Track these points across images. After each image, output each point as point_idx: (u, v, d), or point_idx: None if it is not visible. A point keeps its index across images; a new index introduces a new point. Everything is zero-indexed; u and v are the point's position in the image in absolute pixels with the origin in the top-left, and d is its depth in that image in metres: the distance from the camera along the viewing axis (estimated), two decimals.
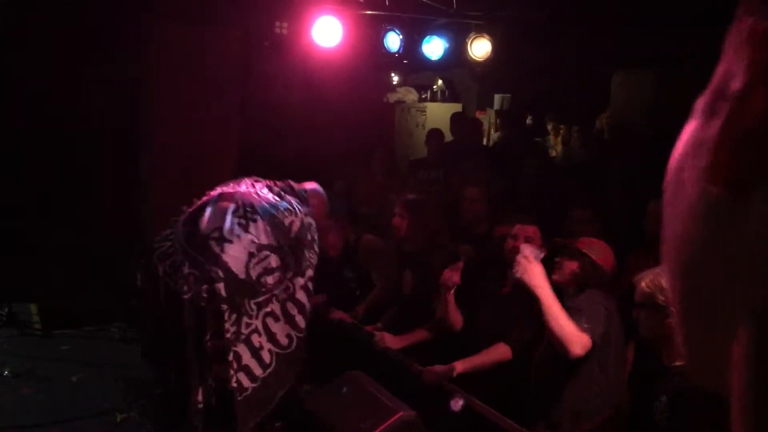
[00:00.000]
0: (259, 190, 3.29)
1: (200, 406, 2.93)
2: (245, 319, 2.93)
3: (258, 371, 2.98)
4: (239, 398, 2.94)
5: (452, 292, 3.72)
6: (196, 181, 5.35)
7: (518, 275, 3.00)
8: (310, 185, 3.47)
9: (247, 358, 2.95)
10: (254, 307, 2.96)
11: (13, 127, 5.65)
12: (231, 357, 2.90)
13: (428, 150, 6.89)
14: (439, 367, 3.55)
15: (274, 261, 3.02)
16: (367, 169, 6.26)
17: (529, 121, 8.62)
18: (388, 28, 6.00)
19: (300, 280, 3.06)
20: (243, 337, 2.93)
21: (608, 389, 3.01)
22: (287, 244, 3.08)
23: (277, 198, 3.28)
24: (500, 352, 3.44)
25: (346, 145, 6.93)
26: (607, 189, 5.22)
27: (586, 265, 3.16)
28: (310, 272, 3.11)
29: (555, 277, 3.19)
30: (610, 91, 7.24)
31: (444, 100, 9.49)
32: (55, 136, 5.79)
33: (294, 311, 3.07)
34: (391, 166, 6.52)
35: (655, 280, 2.53)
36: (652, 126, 6.68)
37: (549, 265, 3.21)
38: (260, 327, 2.96)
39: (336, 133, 6.83)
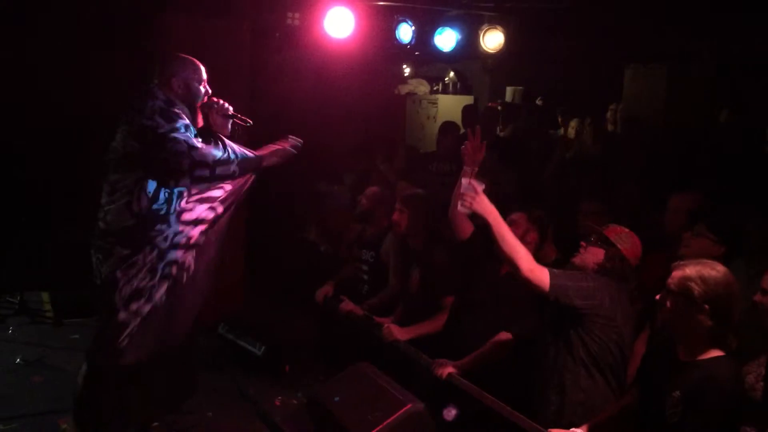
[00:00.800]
0: None
1: None
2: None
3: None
4: None
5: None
6: None
7: (468, 206, 2.97)
8: None
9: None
10: None
11: (21, 121, 5.68)
12: None
13: (440, 143, 6.84)
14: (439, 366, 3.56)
15: None
16: (380, 162, 6.23)
17: (539, 101, 8.54)
18: (400, 19, 5.97)
19: None
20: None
21: (607, 387, 2.97)
22: None
23: None
24: (501, 339, 3.47)
25: (356, 137, 6.91)
26: (619, 183, 5.19)
27: (614, 258, 3.03)
28: None
29: (576, 260, 3.11)
30: (622, 84, 7.20)
31: (456, 92, 9.44)
32: (62, 129, 5.82)
33: None
34: (399, 161, 6.48)
35: (701, 271, 2.48)
36: (665, 120, 6.64)
37: (574, 248, 3.17)
38: None
39: (347, 125, 6.82)
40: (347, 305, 4.47)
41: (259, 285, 5.59)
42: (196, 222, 3.31)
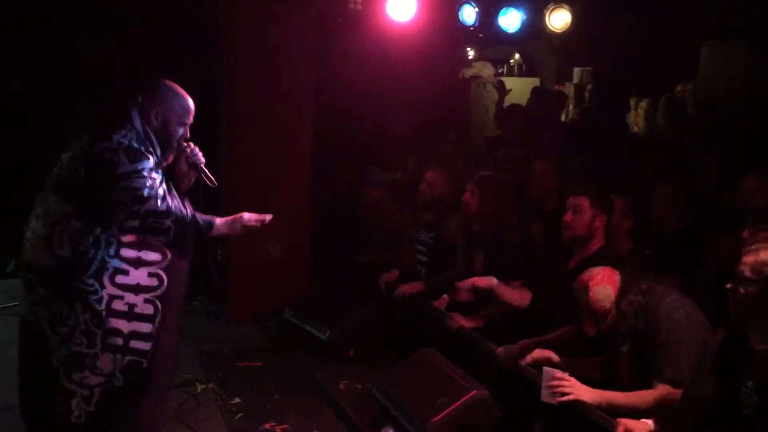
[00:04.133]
0: None
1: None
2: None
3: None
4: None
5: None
6: (273, 159, 5.45)
7: (568, 399, 2.81)
8: None
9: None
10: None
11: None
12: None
13: (507, 127, 6.74)
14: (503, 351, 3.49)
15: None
16: (440, 148, 6.19)
17: (589, 88, 8.25)
18: (463, 1, 5.88)
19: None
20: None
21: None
22: None
23: None
24: (569, 330, 3.36)
25: (420, 121, 6.87)
26: (694, 165, 4.99)
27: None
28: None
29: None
30: (697, 63, 6.90)
31: (521, 74, 9.28)
32: None
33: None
34: (463, 144, 6.42)
35: None
36: (744, 100, 6.34)
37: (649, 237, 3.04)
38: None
39: (410, 110, 6.77)
40: (407, 286, 4.46)
41: (325, 269, 5.63)
42: (137, 289, 2.82)
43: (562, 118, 7.83)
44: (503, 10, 6.16)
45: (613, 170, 5.36)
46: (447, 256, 4.58)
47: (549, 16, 6.15)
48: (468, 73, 9.47)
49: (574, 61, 8.84)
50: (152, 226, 2.83)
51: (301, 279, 5.54)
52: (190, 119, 2.98)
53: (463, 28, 6.06)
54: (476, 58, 9.48)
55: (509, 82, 8.90)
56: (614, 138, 6.38)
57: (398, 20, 5.62)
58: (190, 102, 2.99)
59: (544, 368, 2.95)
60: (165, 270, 2.89)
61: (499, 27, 6.24)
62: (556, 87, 8.66)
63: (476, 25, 6.01)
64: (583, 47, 7.94)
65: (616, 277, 2.95)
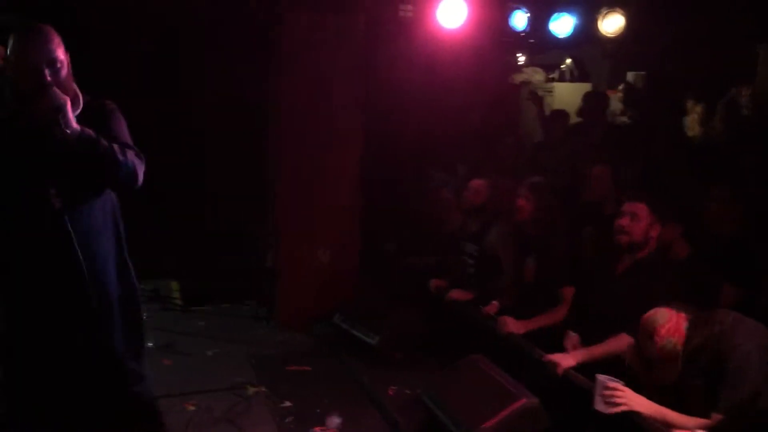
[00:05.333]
0: None
1: None
2: None
3: None
4: None
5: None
6: (322, 165, 5.50)
7: (621, 410, 2.76)
8: None
9: None
10: None
11: (152, 118, 6.01)
12: None
13: (551, 132, 6.68)
14: (558, 357, 3.44)
15: None
16: (493, 153, 6.16)
17: (620, 92, 8.05)
18: (514, 6, 5.84)
19: None
20: None
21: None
22: None
23: None
24: (623, 343, 3.27)
25: (469, 127, 6.85)
26: (749, 168, 4.84)
27: None
28: None
29: None
30: (753, 66, 6.70)
31: (573, 79, 9.14)
32: (186, 127, 6.12)
33: None
34: (515, 151, 6.37)
35: None
36: None
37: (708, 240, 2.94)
38: None
39: (460, 116, 6.76)
40: (456, 293, 4.47)
41: (375, 274, 5.65)
42: None
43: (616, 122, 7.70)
44: (555, 15, 6.10)
45: (668, 175, 5.24)
46: (494, 265, 4.56)
47: (602, 21, 6.06)
48: (518, 78, 9.39)
49: (629, 65, 8.68)
50: None
51: (350, 284, 5.57)
52: (41, 59, 2.53)
53: (514, 33, 6.02)
54: (527, 64, 9.40)
55: (560, 87, 8.79)
56: (670, 142, 6.24)
57: (448, 27, 5.62)
58: None
59: (598, 376, 2.89)
60: None
61: (550, 32, 6.18)
62: (608, 92, 8.52)
63: (527, 30, 5.97)
64: (636, 51, 7.79)
65: (683, 324, 2.79)
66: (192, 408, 4.12)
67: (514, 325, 3.89)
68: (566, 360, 3.40)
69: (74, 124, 2.51)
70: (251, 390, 4.39)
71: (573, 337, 3.60)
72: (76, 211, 2.64)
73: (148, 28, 5.60)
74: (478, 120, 6.95)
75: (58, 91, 2.50)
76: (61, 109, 2.46)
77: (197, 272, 6.34)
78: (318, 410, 4.12)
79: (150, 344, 5.07)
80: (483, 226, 4.71)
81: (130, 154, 2.68)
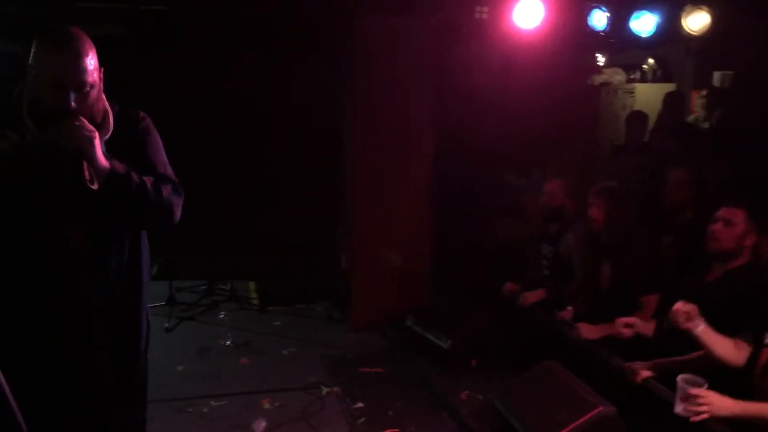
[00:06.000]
0: None
1: None
2: None
3: None
4: None
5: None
6: (395, 169, 5.52)
7: (703, 418, 2.67)
8: None
9: None
10: None
11: (222, 122, 6.18)
12: None
13: (630, 134, 6.50)
14: (639, 364, 3.33)
15: None
16: (565, 157, 6.04)
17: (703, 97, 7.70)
18: (593, 5, 5.70)
19: None
20: None
21: None
22: None
23: None
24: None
25: (546, 130, 6.73)
26: None
27: None
28: None
29: None
30: None
31: (655, 80, 8.85)
32: (264, 131, 6.27)
33: None
34: (591, 154, 6.24)
35: None
36: None
37: None
38: None
39: (536, 119, 6.65)
40: (528, 297, 4.42)
41: (447, 278, 5.63)
42: None
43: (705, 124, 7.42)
44: (636, 13, 5.91)
45: (760, 178, 5.01)
46: (567, 269, 4.48)
47: (686, 18, 5.84)
48: (598, 80, 9.18)
49: (715, 64, 8.35)
50: None
51: (423, 287, 5.57)
52: (67, 78, 2.12)
53: (593, 33, 5.86)
54: (606, 65, 9.18)
55: (641, 88, 8.54)
56: (760, 144, 5.97)
57: (524, 27, 5.54)
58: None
59: (679, 378, 2.78)
60: None
61: (631, 31, 5.99)
62: (693, 93, 8.22)
63: (607, 30, 5.81)
64: (723, 49, 7.48)
65: None
66: (267, 406, 4.21)
67: (588, 331, 3.80)
68: (646, 368, 3.29)
69: (102, 162, 2.13)
70: (325, 390, 4.45)
71: None
72: (97, 254, 2.26)
73: (227, 32, 5.75)
74: (555, 123, 6.82)
75: (84, 122, 2.11)
76: (85, 150, 2.08)
77: (274, 273, 6.49)
78: (390, 413, 4.14)
79: (228, 343, 5.22)
80: (561, 229, 4.64)
81: (167, 190, 2.29)
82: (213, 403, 4.22)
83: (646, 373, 3.28)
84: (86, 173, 2.09)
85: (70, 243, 2.20)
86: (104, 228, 2.26)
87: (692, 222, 4.11)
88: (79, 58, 2.12)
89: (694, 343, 2.97)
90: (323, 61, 5.90)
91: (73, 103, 2.09)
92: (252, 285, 6.57)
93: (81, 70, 2.11)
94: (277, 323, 5.75)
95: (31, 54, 2.13)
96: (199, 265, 6.39)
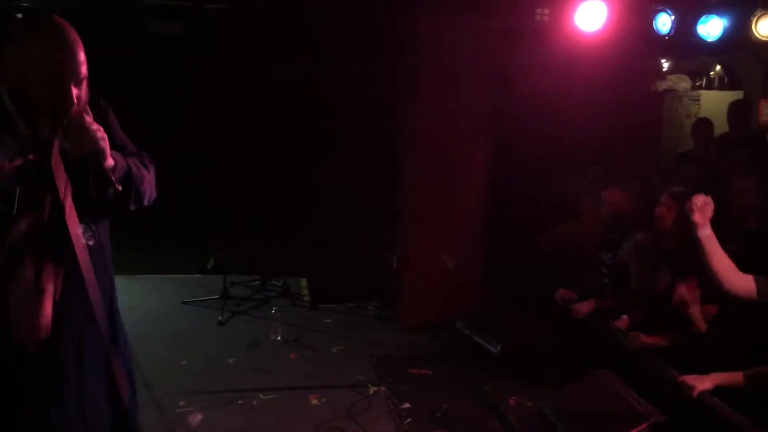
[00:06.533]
0: None
1: None
2: None
3: None
4: None
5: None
6: (452, 170, 5.50)
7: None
8: None
9: None
10: None
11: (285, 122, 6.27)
12: None
13: (696, 142, 6.33)
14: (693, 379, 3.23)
15: None
16: (631, 163, 5.91)
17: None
18: (658, 8, 5.56)
19: None
20: None
21: None
22: None
23: None
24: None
25: (606, 137, 6.60)
26: None
27: None
28: None
29: None
30: None
31: (722, 87, 8.59)
32: (322, 131, 6.33)
33: None
34: (654, 161, 6.10)
35: None
36: None
37: None
38: None
39: (596, 125, 6.53)
40: (583, 306, 4.34)
41: (498, 282, 5.58)
42: None
43: None
44: (703, 17, 5.75)
45: None
46: (626, 276, 4.38)
47: (756, 23, 5.65)
48: (662, 86, 8.97)
49: None
50: None
51: (475, 290, 5.53)
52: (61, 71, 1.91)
53: (658, 37, 5.72)
54: (671, 70, 8.95)
55: (707, 95, 8.30)
56: None
57: (586, 30, 5.45)
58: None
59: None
60: None
61: (698, 36, 5.83)
62: (762, 102, 7.94)
63: (672, 34, 5.66)
64: None
65: None
66: (315, 402, 4.24)
67: (644, 340, 3.70)
68: (703, 382, 3.19)
69: (110, 161, 1.99)
70: (372, 389, 4.46)
71: None
72: (102, 246, 2.17)
73: (284, 32, 5.83)
74: (615, 129, 6.69)
75: (91, 121, 1.93)
76: (103, 151, 1.92)
77: (326, 271, 6.55)
78: (437, 414, 4.12)
79: (279, 338, 5.28)
80: (621, 236, 4.54)
81: (149, 165, 2.23)
82: (262, 396, 4.28)
83: (702, 387, 3.18)
84: (112, 177, 1.96)
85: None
86: (102, 219, 2.16)
87: (756, 231, 3.99)
88: (77, 48, 1.92)
89: (751, 352, 2.88)
90: (379, 62, 5.92)
91: (75, 100, 1.91)
92: (304, 282, 6.64)
93: (80, 62, 1.93)
94: (328, 320, 5.79)
95: (12, 43, 1.92)
96: (253, 260, 6.49)
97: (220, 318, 5.58)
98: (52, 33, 1.90)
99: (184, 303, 5.97)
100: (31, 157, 1.88)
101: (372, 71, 5.97)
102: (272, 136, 6.28)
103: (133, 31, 5.49)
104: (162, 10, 5.09)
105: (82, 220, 2.04)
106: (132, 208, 2.18)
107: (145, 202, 2.21)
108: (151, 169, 2.24)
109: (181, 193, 6.37)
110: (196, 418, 3.86)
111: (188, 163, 6.14)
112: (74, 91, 1.91)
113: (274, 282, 6.42)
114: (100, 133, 1.92)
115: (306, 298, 6.26)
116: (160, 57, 6.00)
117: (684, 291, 3.41)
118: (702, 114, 7.77)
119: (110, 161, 1.99)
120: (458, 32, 5.32)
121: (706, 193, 3.15)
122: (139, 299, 5.83)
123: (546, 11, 5.52)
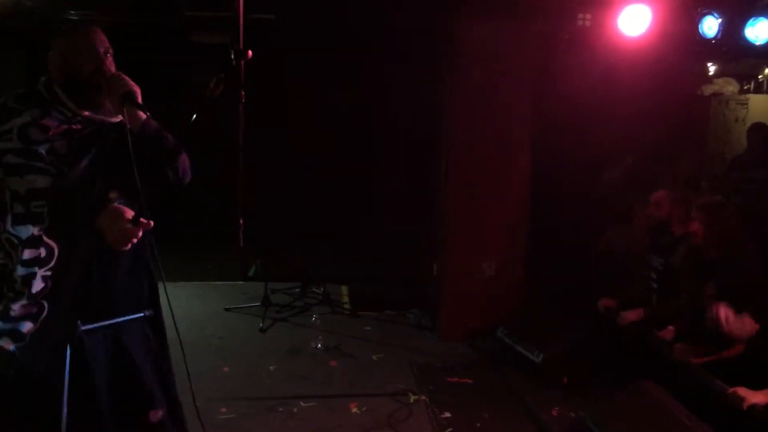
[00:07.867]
0: None
1: None
2: None
3: None
4: None
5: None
6: (491, 177, 5.45)
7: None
8: None
9: None
10: None
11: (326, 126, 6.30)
12: None
13: (750, 146, 6.16)
14: (745, 392, 3.14)
15: None
16: (675, 168, 5.80)
17: None
18: (704, 11, 5.45)
19: None
20: None
21: None
22: None
23: None
24: None
25: (650, 141, 6.48)
26: None
27: None
28: None
29: None
30: None
31: None
32: (362, 137, 6.34)
33: None
34: (702, 165, 5.96)
35: None
36: None
37: None
38: None
39: (640, 129, 6.42)
40: (630, 314, 4.26)
41: (540, 290, 5.51)
42: None
43: None
44: (751, 20, 5.61)
45: None
46: (675, 284, 4.28)
47: None
48: (708, 90, 8.78)
49: None
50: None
51: (515, 298, 5.47)
52: (99, 47, 2.38)
53: (704, 41, 5.60)
54: (718, 74, 8.76)
55: (756, 99, 8.10)
56: None
57: (630, 34, 5.36)
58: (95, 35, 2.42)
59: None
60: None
61: (745, 39, 5.69)
62: None
63: (719, 37, 5.54)
64: None
65: None
66: (355, 410, 4.24)
67: (689, 354, 3.62)
68: (755, 396, 3.10)
69: (144, 114, 2.33)
70: (412, 398, 4.43)
71: None
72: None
73: (328, 38, 5.87)
74: (660, 134, 6.57)
75: (124, 76, 2.34)
76: (132, 93, 2.28)
77: (366, 279, 6.55)
78: (478, 424, 4.08)
79: (319, 345, 5.30)
80: (672, 241, 4.44)
81: (183, 150, 2.45)
82: (302, 403, 4.29)
83: (755, 400, 3.09)
84: (144, 110, 2.30)
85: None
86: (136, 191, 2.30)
87: None
88: (99, 32, 2.43)
89: None
90: (420, 68, 5.91)
91: (108, 62, 2.38)
92: (344, 289, 6.66)
93: (103, 39, 2.42)
94: (368, 328, 5.79)
95: (56, 49, 2.38)
96: (294, 268, 6.53)
97: (261, 325, 5.63)
98: (79, 28, 2.46)
99: (227, 310, 6.04)
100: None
101: (411, 78, 5.96)
102: (311, 144, 6.32)
103: (178, 42, 5.59)
104: (204, 22, 5.17)
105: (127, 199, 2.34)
106: (169, 175, 2.39)
107: (180, 174, 2.42)
108: (185, 154, 2.46)
109: (225, 202, 6.48)
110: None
111: (233, 173, 6.22)
112: (109, 59, 2.38)
113: (314, 289, 6.45)
114: (132, 82, 2.32)
115: (346, 306, 6.27)
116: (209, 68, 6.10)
117: (721, 311, 3.28)
118: (750, 118, 7.60)
119: (143, 114, 2.32)
120: (501, 36, 5.28)
121: (758, 201, 3.07)
122: (184, 306, 5.91)
123: (588, 16, 5.46)
